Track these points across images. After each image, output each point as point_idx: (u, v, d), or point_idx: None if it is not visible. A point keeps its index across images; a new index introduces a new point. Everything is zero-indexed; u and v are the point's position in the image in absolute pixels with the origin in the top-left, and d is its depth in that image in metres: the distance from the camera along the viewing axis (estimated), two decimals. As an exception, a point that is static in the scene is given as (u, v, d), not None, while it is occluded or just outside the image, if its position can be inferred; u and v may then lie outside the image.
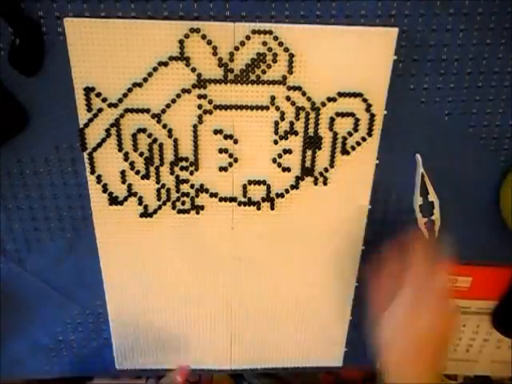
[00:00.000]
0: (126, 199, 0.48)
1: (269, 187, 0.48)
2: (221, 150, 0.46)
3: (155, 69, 0.42)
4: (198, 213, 0.49)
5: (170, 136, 0.45)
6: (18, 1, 0.38)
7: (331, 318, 0.57)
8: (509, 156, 0.48)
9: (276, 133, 0.46)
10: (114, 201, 0.48)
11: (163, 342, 0.57)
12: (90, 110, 0.43)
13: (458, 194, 0.50)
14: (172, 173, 0.47)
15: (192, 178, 0.47)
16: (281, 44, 0.42)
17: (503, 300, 0.56)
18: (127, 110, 0.43)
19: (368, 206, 0.50)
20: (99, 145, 0.45)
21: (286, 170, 0.47)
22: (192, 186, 0.48)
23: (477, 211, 0.51)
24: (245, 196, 0.48)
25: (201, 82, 0.43)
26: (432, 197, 0.49)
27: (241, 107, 0.44)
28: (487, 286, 0.56)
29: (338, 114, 0.45)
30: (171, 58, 0.42)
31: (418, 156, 0.47)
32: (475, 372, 0.64)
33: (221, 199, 0.48)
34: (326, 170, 0.47)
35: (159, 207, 0.48)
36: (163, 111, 0.44)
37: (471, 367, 0.63)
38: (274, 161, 0.47)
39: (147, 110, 0.44)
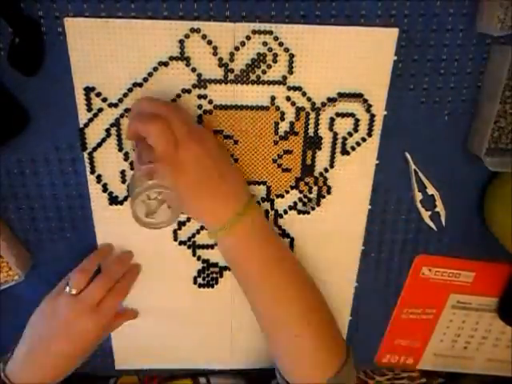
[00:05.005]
0: (126, 199, 0.48)
1: (269, 188, 0.48)
2: (221, 150, 0.46)
3: (155, 69, 0.42)
4: (198, 213, 0.49)
5: (170, 136, 0.45)
6: (18, 1, 0.38)
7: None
8: (508, 156, 0.48)
9: (276, 133, 0.46)
10: (114, 200, 0.47)
11: (163, 341, 0.57)
12: (90, 109, 0.43)
13: (458, 193, 0.50)
14: (172, 173, 0.47)
15: (192, 178, 0.47)
16: (281, 44, 0.42)
17: (507, 288, 0.56)
18: (127, 110, 0.43)
19: (368, 206, 0.50)
20: (99, 145, 0.45)
21: (286, 170, 0.47)
22: (192, 186, 0.48)
23: (480, 209, 0.51)
24: (245, 196, 0.49)
25: (201, 82, 0.43)
26: (431, 190, 0.49)
27: (241, 107, 0.44)
28: (490, 282, 0.56)
29: (338, 115, 0.45)
30: (171, 58, 0.42)
31: (407, 154, 0.47)
32: (471, 370, 0.63)
33: (221, 199, 0.48)
34: (326, 170, 0.48)
35: (159, 207, 0.48)
36: (163, 111, 0.44)
37: (468, 365, 0.63)
38: (274, 161, 0.47)
39: (147, 110, 0.44)
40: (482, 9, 0.40)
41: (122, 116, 0.44)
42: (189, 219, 0.49)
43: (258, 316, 0.45)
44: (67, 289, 0.45)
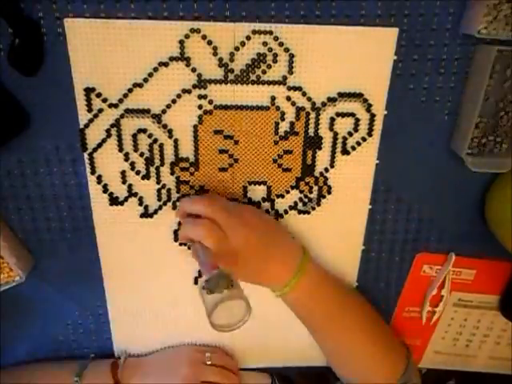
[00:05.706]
0: (126, 199, 0.48)
1: (269, 188, 0.48)
2: (221, 151, 0.46)
3: (155, 69, 0.42)
4: (198, 213, 0.49)
5: (170, 136, 0.45)
6: (18, 1, 0.38)
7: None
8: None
9: (276, 133, 0.46)
10: (114, 201, 0.47)
11: (163, 340, 0.57)
12: (90, 110, 0.43)
13: (459, 192, 0.50)
14: (172, 173, 0.47)
15: (192, 178, 0.47)
16: (281, 44, 0.42)
17: (508, 285, 0.56)
18: (127, 111, 0.43)
19: (368, 206, 0.50)
20: (99, 145, 0.45)
21: (287, 170, 0.47)
22: (192, 187, 0.48)
23: (480, 209, 0.51)
24: (245, 196, 0.49)
25: (201, 83, 0.43)
26: None
27: (241, 107, 0.44)
28: (491, 280, 0.56)
29: (339, 114, 0.45)
30: (171, 59, 0.42)
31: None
32: (473, 368, 0.63)
33: (221, 199, 0.48)
34: (327, 169, 0.48)
35: (159, 207, 0.48)
36: (163, 111, 0.44)
37: (470, 363, 0.63)
38: (275, 161, 0.47)
39: (147, 111, 0.44)
40: (468, 10, 0.41)
41: (122, 116, 0.44)
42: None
43: (325, 351, 0.52)
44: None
